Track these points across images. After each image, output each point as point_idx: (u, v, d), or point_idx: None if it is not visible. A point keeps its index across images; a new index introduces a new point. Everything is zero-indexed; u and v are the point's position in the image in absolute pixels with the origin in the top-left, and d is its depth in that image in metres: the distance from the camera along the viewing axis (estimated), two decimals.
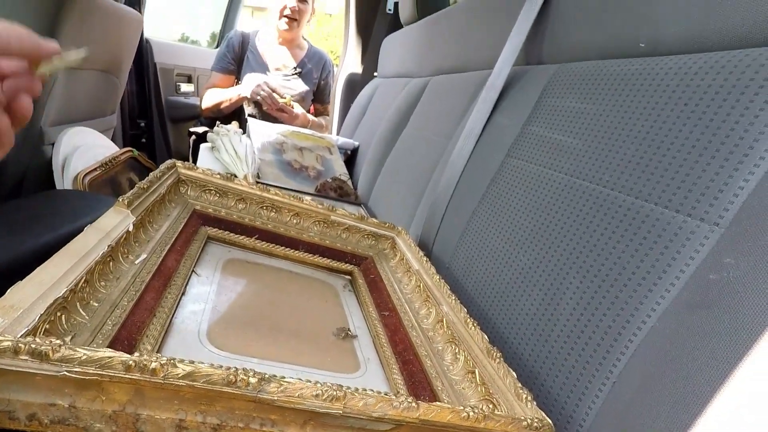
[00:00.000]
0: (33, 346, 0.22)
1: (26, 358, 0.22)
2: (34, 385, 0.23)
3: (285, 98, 1.53)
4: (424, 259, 0.59)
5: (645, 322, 0.32)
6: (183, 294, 0.45)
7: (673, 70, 0.39)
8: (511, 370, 0.37)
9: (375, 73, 1.77)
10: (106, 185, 1.22)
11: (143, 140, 2.13)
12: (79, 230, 0.90)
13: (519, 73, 0.65)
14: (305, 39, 1.75)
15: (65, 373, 0.23)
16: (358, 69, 1.93)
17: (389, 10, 1.76)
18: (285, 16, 1.55)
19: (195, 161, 1.74)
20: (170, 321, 0.40)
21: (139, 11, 1.75)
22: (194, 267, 0.51)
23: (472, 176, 0.64)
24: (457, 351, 0.44)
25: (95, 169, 1.17)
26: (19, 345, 0.22)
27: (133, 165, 1.43)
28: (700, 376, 0.25)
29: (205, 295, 0.47)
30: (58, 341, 0.23)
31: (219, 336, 0.41)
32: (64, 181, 1.10)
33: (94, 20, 1.12)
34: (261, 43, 1.65)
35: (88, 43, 1.16)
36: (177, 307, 0.42)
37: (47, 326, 0.28)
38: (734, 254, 0.27)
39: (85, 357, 0.23)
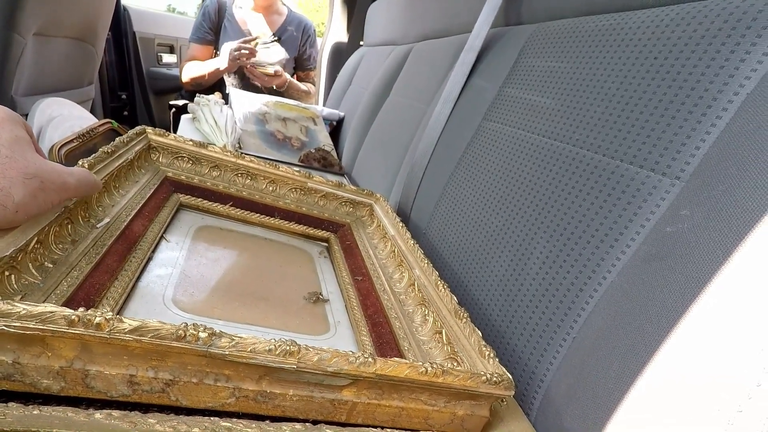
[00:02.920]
0: None
1: None
2: None
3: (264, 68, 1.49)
4: (401, 225, 0.59)
5: (605, 278, 0.32)
6: (150, 260, 0.44)
7: (645, 24, 0.38)
8: (477, 329, 0.37)
9: (361, 42, 1.73)
10: (83, 157, 1.19)
11: (125, 113, 2.09)
12: None
13: (498, 35, 0.63)
14: (284, 4, 1.69)
15: (3, 327, 0.22)
16: (344, 38, 1.88)
17: None
18: None
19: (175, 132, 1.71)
20: (133, 284, 0.39)
21: None
22: (163, 233, 0.50)
23: (450, 141, 0.63)
24: (426, 313, 0.44)
25: (72, 141, 1.14)
26: None
27: (112, 137, 1.39)
28: (650, 327, 0.25)
29: (174, 260, 0.46)
30: None
31: (185, 300, 0.41)
32: None
33: None
34: (238, 11, 1.60)
35: (58, 8, 1.11)
36: (142, 271, 0.42)
37: None
38: (690, 206, 0.27)
39: (24, 312, 0.23)
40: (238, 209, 0.60)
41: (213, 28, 1.58)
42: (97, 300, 0.34)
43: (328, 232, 0.64)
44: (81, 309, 0.24)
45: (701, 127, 0.29)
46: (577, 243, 0.35)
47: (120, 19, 1.92)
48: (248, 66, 1.46)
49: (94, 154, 0.46)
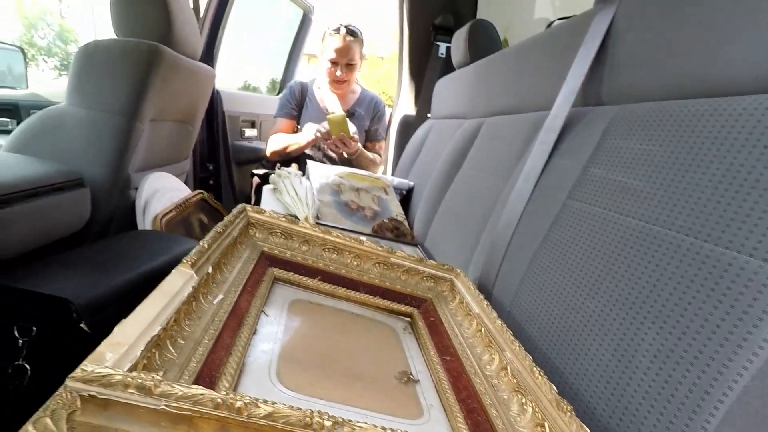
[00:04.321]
0: (139, 380, 0.25)
1: (133, 391, 0.25)
2: (137, 416, 0.26)
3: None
4: (485, 302, 0.59)
5: (736, 381, 0.30)
6: (254, 333, 0.47)
7: (748, 111, 0.38)
8: (585, 427, 0.35)
9: (428, 114, 1.82)
10: (180, 225, 1.32)
11: (211, 182, 2.29)
12: (158, 269, 0.97)
13: (577, 115, 0.65)
14: (358, 83, 1.85)
15: (164, 407, 0.25)
16: (412, 111, 1.99)
17: (441, 54, 1.82)
18: (335, 81, 1.68)
19: (257, 200, 1.85)
20: (244, 360, 0.42)
21: (212, 66, 1.93)
22: (263, 307, 0.53)
23: (532, 218, 0.64)
24: (524, 401, 0.43)
25: (171, 211, 1.27)
26: (128, 379, 0.25)
27: (202, 206, 1.54)
28: None
29: (274, 335, 0.49)
30: (158, 377, 0.26)
31: (287, 376, 0.43)
32: (144, 222, 1.20)
33: (176, 77, 1.25)
34: (317, 90, 1.77)
35: (171, 97, 1.29)
36: (249, 346, 0.45)
37: (145, 362, 0.31)
38: None
39: (181, 393, 0.25)
40: (327, 283, 0.63)
41: (297, 105, 1.75)
42: (217, 376, 0.37)
43: (411, 307, 0.65)
44: (223, 392, 0.26)
45: None
46: (695, 339, 0.33)
47: (213, 101, 2.17)
48: (327, 142, 1.60)
49: (209, 235, 0.51)
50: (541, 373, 0.43)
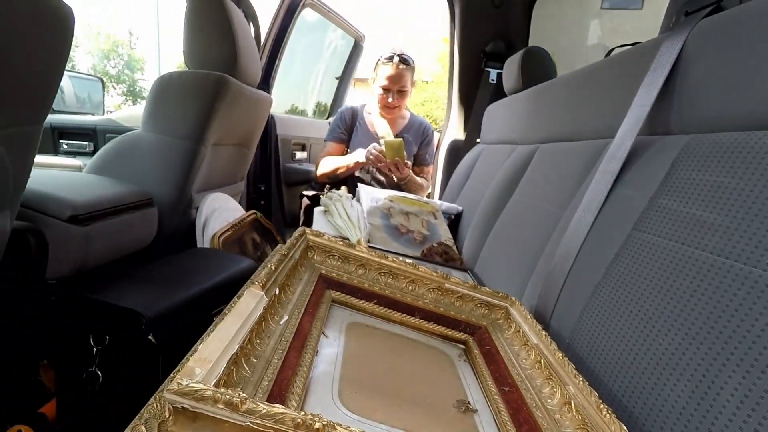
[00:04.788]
0: (228, 397, 0.26)
1: (222, 407, 0.26)
2: (222, 430, 0.27)
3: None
4: (543, 333, 0.57)
5: None
6: (316, 354, 0.49)
7: None
8: None
9: (478, 140, 1.82)
10: (235, 244, 1.38)
11: (262, 202, 2.38)
12: (217, 286, 1.01)
13: (643, 144, 0.63)
14: (407, 109, 1.89)
15: (249, 423, 0.26)
16: (461, 136, 2.00)
17: (492, 80, 1.83)
18: (386, 107, 1.72)
19: (306, 221, 1.90)
20: (308, 380, 0.43)
21: (268, 92, 2.04)
22: (323, 329, 0.55)
23: (594, 249, 0.62)
24: None
25: (228, 230, 1.34)
26: (217, 395, 0.26)
27: (255, 225, 1.61)
28: None
29: (334, 356, 0.50)
30: (244, 395, 0.27)
31: (349, 398, 0.43)
32: (204, 239, 1.27)
33: (238, 105, 1.33)
34: (367, 115, 1.82)
35: (233, 123, 1.38)
36: (312, 366, 0.46)
37: (225, 378, 0.32)
38: None
39: (264, 411, 0.27)
40: (382, 307, 0.64)
41: (347, 130, 1.81)
42: (286, 395, 0.38)
43: (466, 334, 0.64)
44: (302, 413, 0.27)
45: None
46: None
47: (268, 125, 2.28)
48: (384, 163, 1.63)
49: (275, 258, 0.54)
50: (610, 411, 0.41)
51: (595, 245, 0.62)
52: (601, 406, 0.42)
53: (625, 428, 0.39)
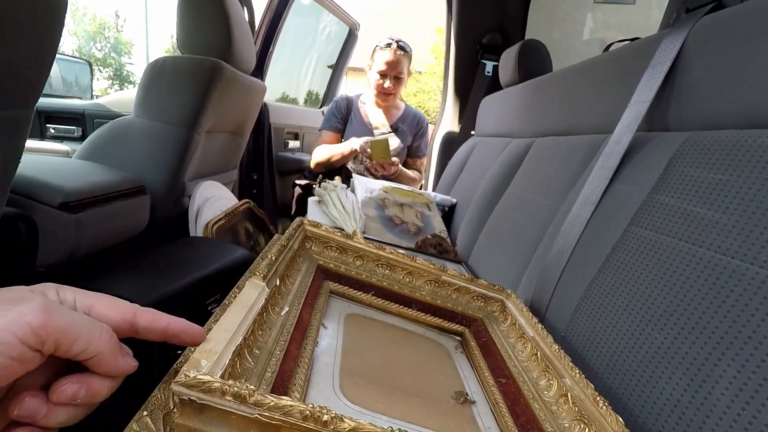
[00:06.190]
0: (235, 388, 0.26)
1: (230, 399, 0.26)
2: (229, 423, 0.27)
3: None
4: (539, 325, 0.58)
5: None
6: (316, 345, 0.49)
7: None
8: None
9: (472, 132, 1.82)
10: (228, 233, 1.37)
11: (254, 191, 2.36)
12: (210, 275, 1.00)
13: (641, 140, 0.64)
14: (402, 100, 1.88)
15: (257, 415, 0.26)
16: (456, 128, 2.00)
17: (488, 72, 1.83)
18: (382, 93, 1.72)
19: (299, 210, 1.89)
20: (309, 371, 0.43)
21: (262, 80, 2.01)
22: (322, 320, 0.55)
23: (591, 243, 0.63)
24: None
25: (221, 219, 1.33)
26: (225, 387, 0.26)
27: (248, 214, 1.59)
28: None
29: (333, 347, 0.50)
30: (252, 387, 0.27)
31: (349, 389, 0.44)
32: (197, 228, 1.26)
33: (232, 92, 1.31)
34: (362, 105, 1.81)
35: (226, 110, 1.36)
36: (312, 358, 0.46)
37: (230, 370, 0.32)
38: None
39: (272, 403, 0.27)
40: (379, 299, 0.64)
41: (342, 119, 1.80)
42: (289, 387, 0.38)
43: (462, 326, 0.65)
44: (310, 405, 0.27)
45: None
46: None
47: (261, 113, 2.25)
48: (371, 162, 1.63)
49: (275, 249, 0.53)
50: (606, 403, 0.42)
51: (591, 240, 0.63)
52: (597, 398, 0.43)
53: (621, 420, 0.40)
